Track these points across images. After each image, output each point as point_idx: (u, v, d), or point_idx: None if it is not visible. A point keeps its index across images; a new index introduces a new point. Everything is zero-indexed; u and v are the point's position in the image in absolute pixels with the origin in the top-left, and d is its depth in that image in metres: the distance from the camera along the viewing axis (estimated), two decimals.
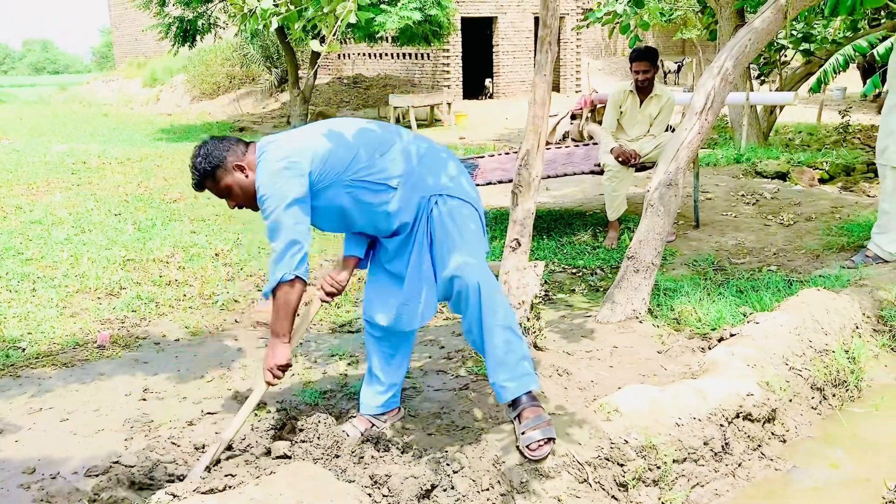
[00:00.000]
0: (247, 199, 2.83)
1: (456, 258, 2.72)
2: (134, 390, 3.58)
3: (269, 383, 2.86)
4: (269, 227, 2.70)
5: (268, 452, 2.91)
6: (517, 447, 2.77)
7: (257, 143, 2.84)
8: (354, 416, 3.13)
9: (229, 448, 2.92)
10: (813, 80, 10.97)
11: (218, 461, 2.83)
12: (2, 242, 6.07)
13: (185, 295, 4.91)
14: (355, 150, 2.77)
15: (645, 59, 5.89)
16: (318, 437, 2.95)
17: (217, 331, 4.35)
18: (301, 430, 2.99)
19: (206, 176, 2.80)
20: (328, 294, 2.96)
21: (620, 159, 5.85)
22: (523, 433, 2.75)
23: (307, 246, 2.74)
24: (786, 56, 11.91)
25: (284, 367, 2.83)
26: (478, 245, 2.82)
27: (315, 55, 15.48)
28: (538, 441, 2.72)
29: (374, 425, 3.06)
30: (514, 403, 2.82)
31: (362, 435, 2.97)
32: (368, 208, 2.81)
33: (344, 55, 23.12)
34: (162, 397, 3.52)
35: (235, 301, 4.82)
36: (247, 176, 2.79)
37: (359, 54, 22.77)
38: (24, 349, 4.08)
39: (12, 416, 3.33)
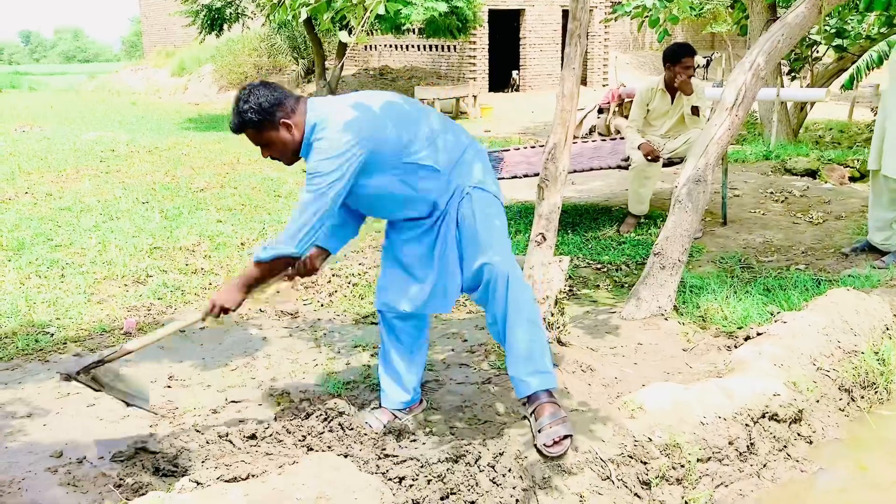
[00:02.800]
0: (284, 154, 2.74)
1: (487, 248, 2.75)
2: (159, 377, 3.62)
3: (205, 317, 2.81)
4: (306, 198, 2.63)
5: (291, 442, 2.92)
6: (534, 445, 2.76)
7: (308, 103, 2.72)
8: (378, 408, 3.13)
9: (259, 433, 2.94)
10: (845, 76, 10.81)
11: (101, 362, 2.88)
12: (32, 229, 6.15)
13: (210, 283, 4.94)
14: (411, 132, 2.74)
15: (692, 54, 5.85)
16: (341, 428, 2.96)
17: (242, 319, 4.38)
18: (324, 421, 3.00)
19: (250, 125, 2.67)
20: (297, 273, 2.94)
21: (649, 157, 5.80)
22: (540, 430, 2.75)
23: (322, 230, 2.71)
24: (818, 52, 11.72)
25: (226, 311, 2.77)
26: (506, 239, 2.84)
27: (342, 46, 15.53)
28: (554, 438, 2.71)
29: (396, 417, 3.07)
30: (531, 399, 2.82)
31: (385, 427, 2.97)
32: (412, 189, 2.78)
33: (370, 46, 23.13)
34: (187, 385, 3.55)
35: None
36: (292, 136, 2.69)
37: (385, 46, 22.77)
38: (52, 334, 4.13)
39: (41, 401, 3.38)
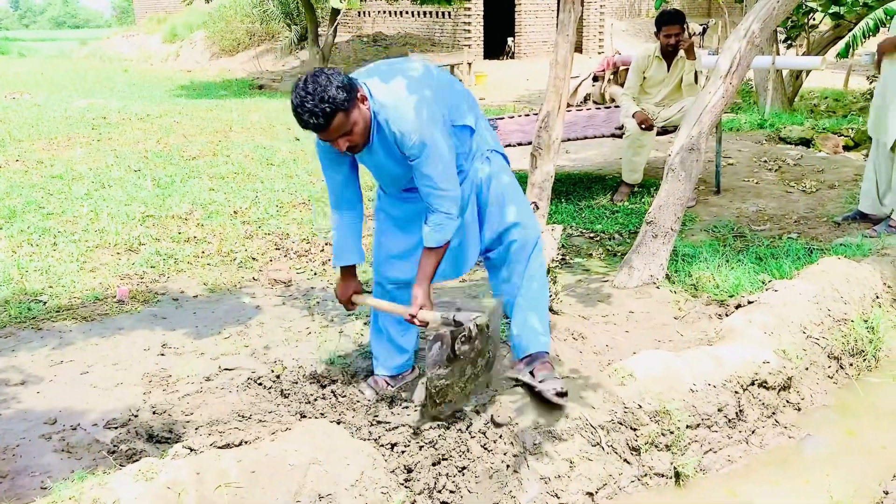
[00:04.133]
0: (365, 132, 2.60)
1: (516, 209, 2.86)
2: (152, 345, 3.63)
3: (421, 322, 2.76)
4: (431, 158, 2.58)
5: (284, 408, 2.94)
6: (537, 394, 2.81)
7: (357, 79, 2.60)
8: (370, 375, 3.15)
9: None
10: (841, 44, 10.73)
11: None
12: (23, 197, 6.12)
13: (203, 252, 4.94)
14: (458, 94, 2.80)
15: (675, 22, 5.80)
16: (334, 395, 2.98)
17: (235, 288, 4.38)
18: (317, 389, 3.02)
19: (341, 108, 2.46)
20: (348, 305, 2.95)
21: (643, 126, 5.78)
22: (543, 381, 2.82)
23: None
24: (814, 19, 11.63)
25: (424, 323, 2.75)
26: (528, 202, 2.98)
27: (335, 12, 15.35)
28: (556, 389, 2.79)
29: (388, 385, 3.09)
30: (531, 358, 2.91)
31: (378, 395, 2.99)
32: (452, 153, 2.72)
33: (364, 13, 22.88)
34: (180, 352, 3.56)
35: (253, 259, 4.84)
36: (368, 108, 2.58)
37: (379, 12, 22.52)
38: (45, 302, 4.13)
39: (34, 368, 3.39)
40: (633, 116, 5.84)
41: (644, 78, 6.04)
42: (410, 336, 3.13)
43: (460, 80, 2.90)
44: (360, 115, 2.55)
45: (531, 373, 2.88)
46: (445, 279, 3.04)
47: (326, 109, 2.45)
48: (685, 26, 5.89)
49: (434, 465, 2.55)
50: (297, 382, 3.10)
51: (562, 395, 2.80)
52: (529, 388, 2.86)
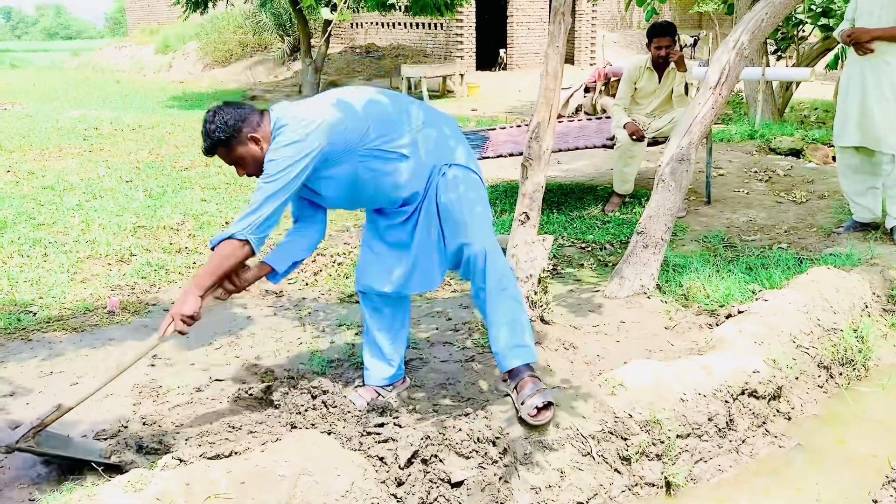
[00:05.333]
0: (258, 169, 2.78)
1: (465, 227, 2.79)
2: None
3: (177, 331, 2.74)
4: (259, 186, 2.69)
5: (275, 419, 2.93)
6: (519, 417, 2.79)
7: (271, 113, 2.79)
8: (361, 386, 3.15)
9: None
10: (830, 56, 10.82)
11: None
12: (14, 207, 6.10)
13: (195, 262, 4.93)
14: (368, 121, 2.77)
15: (665, 34, 5.84)
16: (325, 406, 2.98)
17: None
18: (308, 399, 3.01)
19: (219, 144, 2.74)
20: (227, 292, 2.85)
21: (634, 137, 5.81)
22: (523, 402, 2.79)
23: (276, 218, 2.72)
24: (803, 31, 11.73)
25: (190, 319, 2.72)
26: (484, 214, 2.87)
27: (327, 24, 15.40)
28: (538, 406, 2.75)
29: (380, 395, 3.09)
30: (512, 374, 2.86)
31: (368, 404, 2.99)
32: (380, 177, 2.81)
33: (356, 24, 22.94)
34: (171, 363, 3.55)
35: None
36: (261, 148, 2.75)
37: (371, 24, 22.59)
38: (35, 313, 4.12)
39: (23, 380, 3.37)
40: (625, 127, 5.87)
41: (635, 89, 6.08)
42: (399, 345, 3.14)
43: (440, 97, 2.89)
44: (247, 151, 2.75)
45: (516, 387, 2.87)
46: (411, 292, 3.04)
47: (207, 143, 2.76)
48: (676, 38, 5.93)
49: (425, 475, 2.55)
50: (287, 393, 3.10)
51: (543, 408, 2.76)
52: None
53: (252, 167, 2.80)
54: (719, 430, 3.06)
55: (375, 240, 3.03)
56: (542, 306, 3.61)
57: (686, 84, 5.96)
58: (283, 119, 2.73)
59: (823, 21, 10.57)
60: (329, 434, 2.71)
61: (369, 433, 2.70)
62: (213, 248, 2.74)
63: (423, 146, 2.84)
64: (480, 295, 2.85)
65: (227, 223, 5.75)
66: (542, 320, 3.62)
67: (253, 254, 2.73)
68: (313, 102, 2.83)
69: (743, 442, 3.12)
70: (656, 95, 6.06)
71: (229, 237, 2.68)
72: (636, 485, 2.87)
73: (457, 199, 2.81)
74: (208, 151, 2.78)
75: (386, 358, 3.11)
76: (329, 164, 2.76)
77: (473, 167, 2.92)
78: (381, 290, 3.00)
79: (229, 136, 2.72)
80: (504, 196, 6.45)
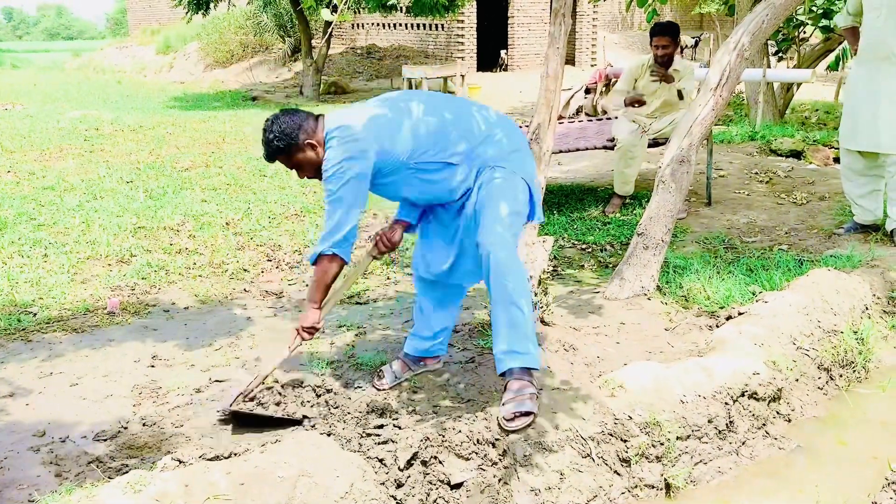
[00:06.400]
0: (316, 172, 2.93)
1: (481, 227, 2.86)
2: (143, 357, 3.61)
3: (303, 339, 3.06)
4: (327, 201, 2.85)
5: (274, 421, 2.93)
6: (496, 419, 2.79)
7: (326, 120, 2.92)
8: (396, 359, 3.30)
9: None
10: (831, 57, 10.81)
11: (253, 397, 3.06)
12: (15, 208, 6.10)
13: (195, 263, 4.93)
14: (420, 136, 2.89)
15: (666, 34, 5.84)
16: (325, 407, 2.98)
17: (226, 299, 4.38)
18: (308, 400, 3.01)
19: (279, 152, 2.90)
20: (380, 252, 3.17)
21: (636, 104, 5.91)
22: (503, 404, 2.80)
23: (354, 228, 2.88)
24: (804, 33, 11.72)
25: (312, 330, 3.02)
26: (508, 219, 2.86)
27: (328, 24, 15.40)
28: (514, 413, 2.77)
29: (409, 368, 3.24)
30: (504, 377, 2.88)
31: (395, 378, 3.17)
32: (431, 184, 2.96)
33: (357, 25, 22.95)
34: (170, 364, 3.55)
35: (245, 270, 4.84)
36: (317, 154, 2.89)
37: (372, 24, 22.59)
38: (35, 314, 4.12)
39: (23, 380, 3.37)
40: (625, 100, 5.96)
41: (635, 87, 6.08)
42: (446, 319, 3.28)
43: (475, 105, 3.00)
44: (305, 157, 2.91)
45: (504, 387, 2.89)
46: (456, 282, 3.22)
47: (267, 151, 2.93)
48: (678, 38, 5.92)
49: (425, 476, 2.55)
50: (287, 394, 3.09)
51: (522, 414, 2.76)
52: None
53: (311, 171, 2.95)
54: (719, 431, 3.05)
55: (431, 229, 3.19)
56: (542, 308, 3.62)
57: (679, 91, 5.94)
58: (336, 126, 2.85)
59: (824, 22, 10.54)
60: (328, 435, 2.71)
61: (369, 434, 2.70)
62: (312, 264, 2.97)
63: (474, 152, 2.94)
64: (489, 295, 2.90)
65: (227, 224, 5.75)
66: (543, 322, 3.62)
67: (345, 262, 2.92)
68: (368, 114, 2.90)
69: (743, 444, 3.12)
70: (657, 96, 6.05)
71: (320, 254, 2.89)
72: (636, 486, 2.87)
73: (481, 199, 2.90)
74: (269, 158, 2.94)
75: (429, 330, 3.25)
76: (380, 176, 2.91)
77: (515, 168, 2.95)
78: (426, 276, 3.19)
79: (287, 144, 2.87)
80: None
